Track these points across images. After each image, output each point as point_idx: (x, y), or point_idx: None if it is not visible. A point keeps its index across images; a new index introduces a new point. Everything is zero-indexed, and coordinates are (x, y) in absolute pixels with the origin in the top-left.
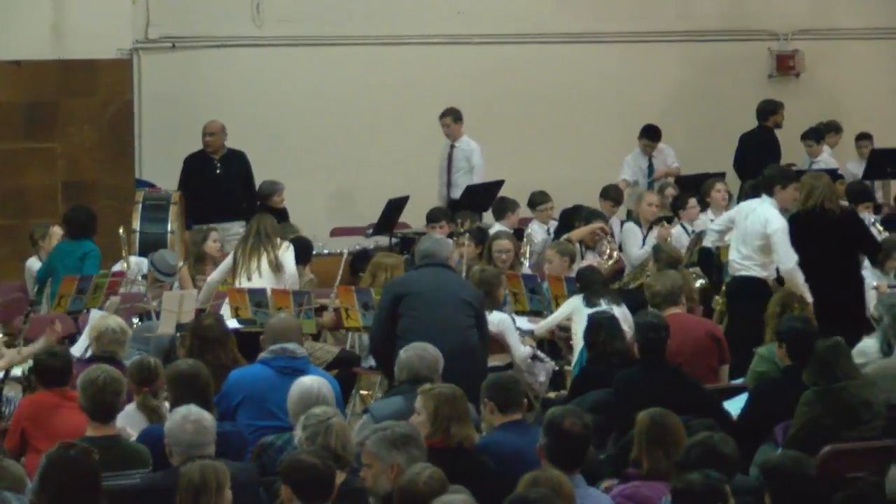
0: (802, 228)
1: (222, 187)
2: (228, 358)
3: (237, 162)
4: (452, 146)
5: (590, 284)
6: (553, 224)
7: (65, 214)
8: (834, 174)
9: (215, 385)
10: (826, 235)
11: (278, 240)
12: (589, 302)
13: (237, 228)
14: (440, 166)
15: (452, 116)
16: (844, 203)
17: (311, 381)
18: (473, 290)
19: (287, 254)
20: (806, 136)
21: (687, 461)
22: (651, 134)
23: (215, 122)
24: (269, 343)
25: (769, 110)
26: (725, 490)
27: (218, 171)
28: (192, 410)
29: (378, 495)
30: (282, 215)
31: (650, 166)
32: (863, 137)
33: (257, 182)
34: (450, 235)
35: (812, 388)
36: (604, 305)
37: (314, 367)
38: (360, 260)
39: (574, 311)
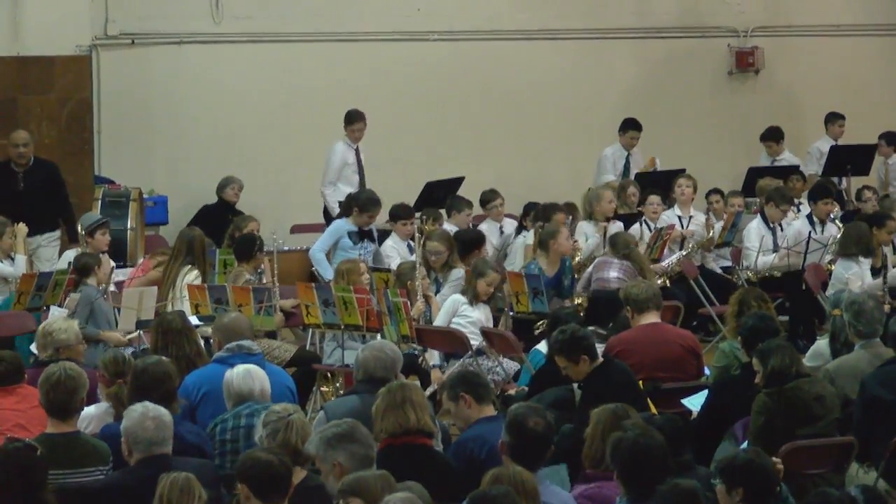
0: None
1: (25, 200)
2: (192, 350)
3: (42, 173)
4: None
5: None
6: (507, 222)
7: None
8: (796, 170)
9: (179, 376)
10: None
11: (188, 266)
12: None
13: (39, 241)
14: None
15: None
16: None
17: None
18: None
19: (188, 277)
20: (764, 138)
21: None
22: (637, 125)
23: (20, 132)
24: (224, 342)
25: None
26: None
27: (21, 186)
28: (150, 407)
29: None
30: (236, 211)
31: (627, 164)
32: (837, 117)
33: (219, 177)
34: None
35: (763, 391)
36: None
37: (269, 364)
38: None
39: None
